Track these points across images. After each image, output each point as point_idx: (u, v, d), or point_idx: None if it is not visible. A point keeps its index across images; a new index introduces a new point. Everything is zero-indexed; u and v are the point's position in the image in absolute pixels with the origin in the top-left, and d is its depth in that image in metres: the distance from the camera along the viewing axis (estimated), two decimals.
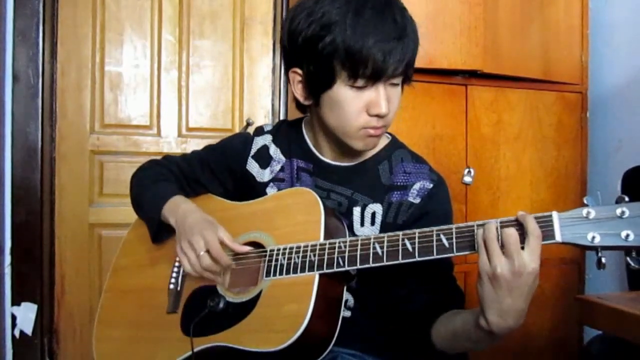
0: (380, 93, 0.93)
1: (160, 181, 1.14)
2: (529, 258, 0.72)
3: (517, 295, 0.73)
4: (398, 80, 0.96)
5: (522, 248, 0.72)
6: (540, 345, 2.03)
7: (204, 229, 0.98)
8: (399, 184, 1.03)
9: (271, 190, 1.09)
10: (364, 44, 0.89)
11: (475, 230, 0.78)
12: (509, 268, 0.72)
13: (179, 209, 1.05)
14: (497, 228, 0.75)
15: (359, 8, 0.91)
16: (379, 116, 0.94)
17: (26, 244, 2.02)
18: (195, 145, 2.23)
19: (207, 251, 0.97)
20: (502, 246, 0.73)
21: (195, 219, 1.01)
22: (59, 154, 2.13)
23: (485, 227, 0.76)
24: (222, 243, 0.98)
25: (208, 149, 1.20)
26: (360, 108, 0.95)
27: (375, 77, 0.91)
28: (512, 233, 0.72)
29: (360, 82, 0.92)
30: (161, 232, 1.10)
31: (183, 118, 2.25)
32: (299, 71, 0.98)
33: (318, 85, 0.96)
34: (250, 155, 1.12)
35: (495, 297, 0.74)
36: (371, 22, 0.90)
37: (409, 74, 0.97)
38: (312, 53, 0.94)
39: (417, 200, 1.02)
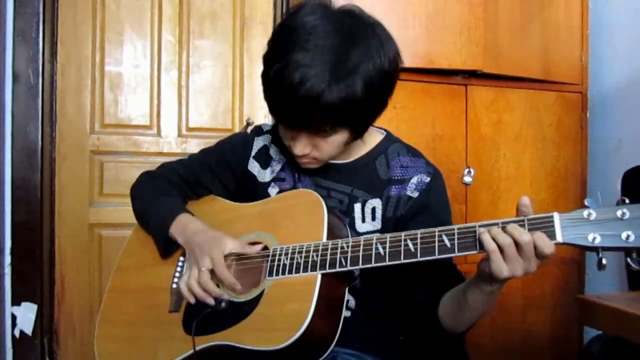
0: (299, 136, 0.95)
1: (163, 196, 1.12)
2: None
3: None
4: (332, 131, 0.93)
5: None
6: (540, 345, 2.03)
7: (212, 247, 0.98)
8: (396, 177, 1.04)
9: (273, 190, 1.09)
10: (277, 97, 0.90)
11: (477, 231, 0.78)
12: (525, 268, 0.76)
13: (187, 230, 1.04)
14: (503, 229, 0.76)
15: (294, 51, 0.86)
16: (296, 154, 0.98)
17: (26, 244, 2.02)
18: (195, 145, 2.23)
19: (212, 270, 0.97)
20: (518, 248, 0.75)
21: (202, 239, 1.00)
22: (59, 154, 2.13)
23: (496, 231, 0.76)
24: (230, 255, 0.98)
25: (206, 151, 1.19)
26: (288, 140, 1.00)
27: (288, 126, 0.96)
28: (529, 240, 0.74)
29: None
30: (170, 248, 1.09)
31: (183, 118, 2.25)
32: None
33: None
34: (252, 155, 1.12)
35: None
36: (295, 71, 0.85)
37: (350, 124, 0.94)
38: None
39: (416, 194, 1.03)
